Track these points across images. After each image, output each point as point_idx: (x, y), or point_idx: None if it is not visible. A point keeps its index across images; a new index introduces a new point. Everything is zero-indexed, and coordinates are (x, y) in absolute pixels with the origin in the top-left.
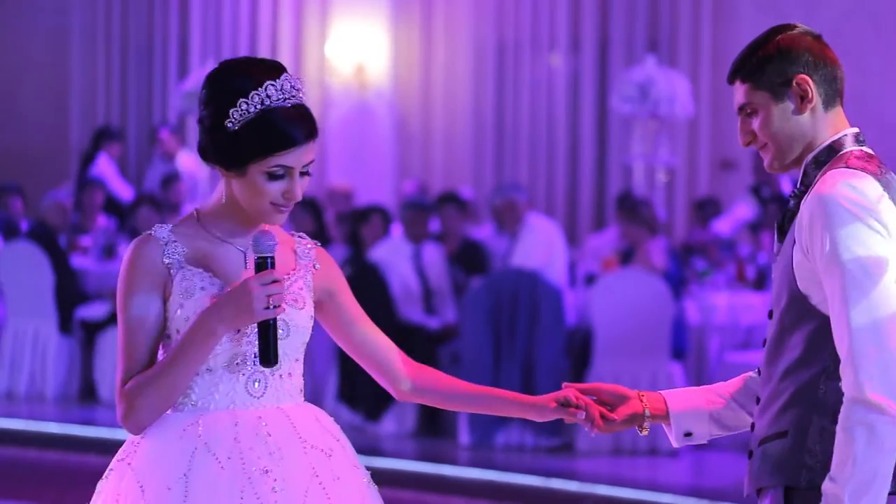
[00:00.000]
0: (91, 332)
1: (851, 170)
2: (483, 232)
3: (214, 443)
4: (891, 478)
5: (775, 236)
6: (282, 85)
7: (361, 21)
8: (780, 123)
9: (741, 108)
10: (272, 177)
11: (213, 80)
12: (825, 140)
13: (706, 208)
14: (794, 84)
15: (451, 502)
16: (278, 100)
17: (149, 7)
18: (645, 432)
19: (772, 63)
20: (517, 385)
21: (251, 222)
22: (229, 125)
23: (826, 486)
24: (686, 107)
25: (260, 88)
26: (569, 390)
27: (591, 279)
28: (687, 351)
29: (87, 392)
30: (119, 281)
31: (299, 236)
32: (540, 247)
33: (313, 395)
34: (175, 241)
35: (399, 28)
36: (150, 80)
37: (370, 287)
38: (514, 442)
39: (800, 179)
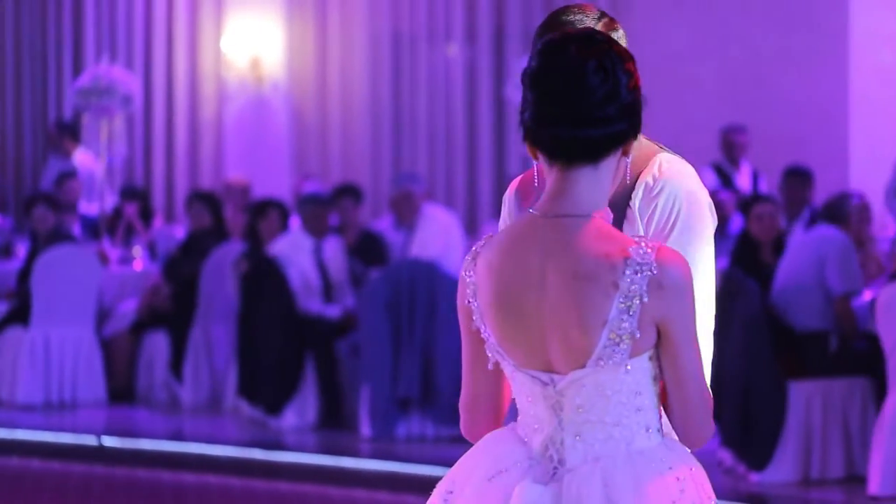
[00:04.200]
0: None
1: (679, 156)
2: (382, 224)
3: None
4: None
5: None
6: None
7: (256, 14)
8: None
9: None
10: None
11: (619, 49)
12: None
13: None
14: None
15: (354, 495)
16: None
17: (42, 4)
18: None
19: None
20: (417, 375)
21: None
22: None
23: None
24: None
25: None
26: None
27: None
28: None
29: None
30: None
31: None
32: (437, 237)
33: (213, 391)
34: None
35: (294, 20)
36: (45, 78)
37: (269, 282)
38: (415, 433)
39: None
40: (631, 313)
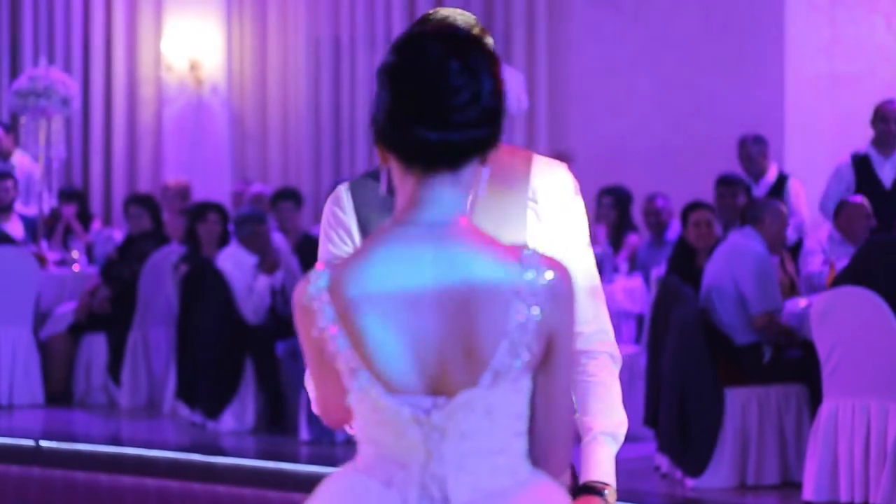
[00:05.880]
0: None
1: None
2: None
3: None
4: None
5: None
6: None
7: (195, 17)
8: None
9: None
10: None
11: (486, 49)
12: None
13: None
14: None
15: (293, 499)
16: None
17: None
18: None
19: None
20: None
21: None
22: None
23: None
24: (522, 100)
25: None
26: None
27: None
28: None
29: None
30: None
31: None
32: None
33: (151, 394)
34: None
35: (233, 23)
36: None
37: (208, 285)
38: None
39: None
40: (529, 324)
